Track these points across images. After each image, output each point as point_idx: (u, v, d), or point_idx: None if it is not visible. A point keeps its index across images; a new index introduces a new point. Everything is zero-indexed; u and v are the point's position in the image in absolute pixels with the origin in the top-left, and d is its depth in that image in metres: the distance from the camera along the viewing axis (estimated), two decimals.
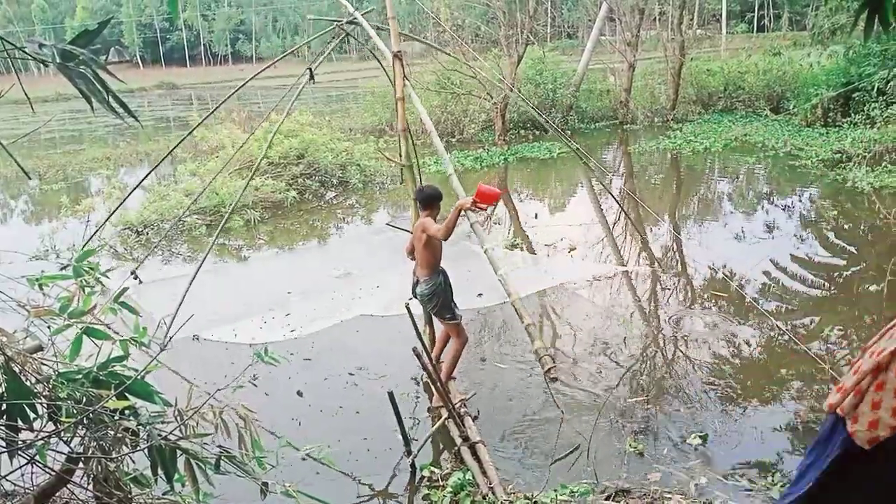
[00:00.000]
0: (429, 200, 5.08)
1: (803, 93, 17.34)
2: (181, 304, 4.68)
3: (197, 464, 2.59)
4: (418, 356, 4.26)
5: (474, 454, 4.48)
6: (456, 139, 18.14)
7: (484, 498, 4.05)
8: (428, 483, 4.42)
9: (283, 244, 10.53)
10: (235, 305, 7.66)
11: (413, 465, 4.59)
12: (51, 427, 2.55)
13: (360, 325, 7.09)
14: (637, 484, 4.25)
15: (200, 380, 2.90)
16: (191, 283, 4.98)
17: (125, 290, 2.89)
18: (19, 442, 2.48)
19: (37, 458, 2.54)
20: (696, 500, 4.04)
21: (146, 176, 6.71)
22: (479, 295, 7.41)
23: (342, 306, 7.54)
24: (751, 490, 4.18)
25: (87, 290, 2.77)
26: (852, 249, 8.89)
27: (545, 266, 8.72)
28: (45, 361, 2.62)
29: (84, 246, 5.48)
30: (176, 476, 2.61)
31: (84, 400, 2.47)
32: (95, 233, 6.27)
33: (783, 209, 10.91)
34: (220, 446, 2.66)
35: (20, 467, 2.66)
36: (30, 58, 1.94)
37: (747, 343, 6.24)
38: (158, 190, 12.15)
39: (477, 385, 5.73)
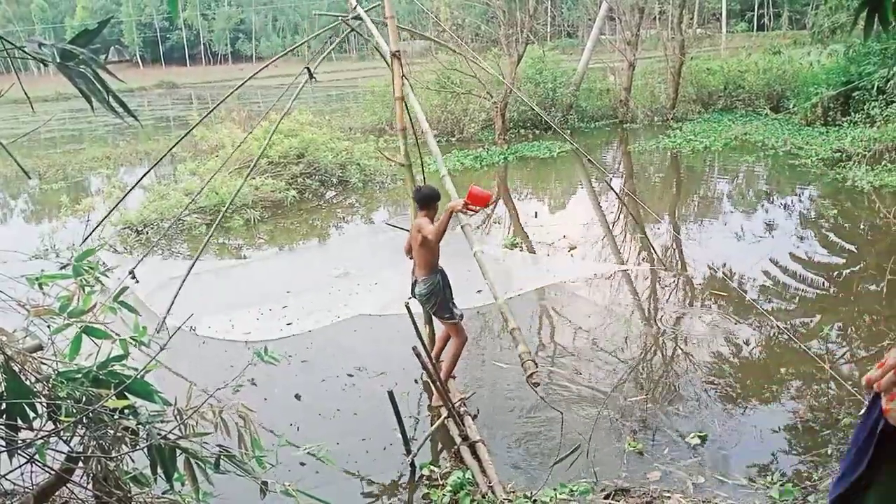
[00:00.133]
0: (426, 200, 5.08)
1: (803, 92, 17.34)
2: (176, 295, 4.69)
3: (196, 463, 2.59)
4: (418, 355, 4.26)
5: (474, 453, 4.48)
6: (456, 138, 18.15)
7: (483, 497, 4.06)
8: (427, 482, 4.42)
9: (282, 243, 10.53)
10: (235, 304, 7.67)
11: (413, 464, 4.60)
12: (50, 426, 2.55)
13: (358, 324, 7.09)
14: (636, 483, 4.26)
15: (200, 379, 2.90)
16: (186, 276, 4.98)
17: (125, 289, 2.89)
18: (19, 441, 2.48)
19: (36, 457, 2.54)
20: (696, 500, 4.04)
21: (145, 174, 6.71)
22: (479, 291, 7.41)
23: (340, 302, 7.56)
24: (750, 489, 4.18)
25: (87, 289, 2.77)
26: (852, 248, 8.89)
27: (545, 265, 8.73)
28: (44, 360, 2.62)
29: (83, 243, 5.49)
30: (175, 475, 2.61)
31: (84, 399, 2.47)
32: (93, 231, 6.25)
33: (783, 208, 10.91)
34: (219, 445, 2.67)
35: (20, 466, 2.66)
36: (30, 57, 1.94)
37: (747, 342, 6.24)
38: (158, 189, 12.15)
39: (477, 384, 5.73)
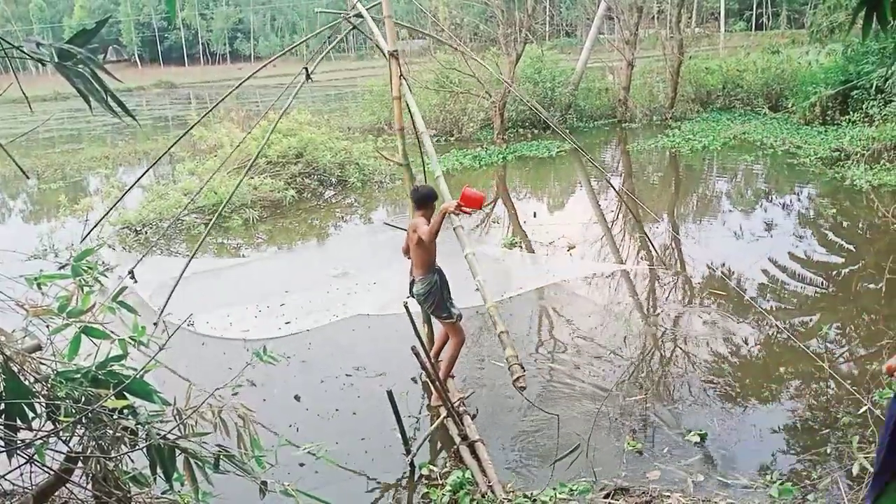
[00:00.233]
0: (423, 200, 5.07)
1: (802, 91, 17.35)
2: (171, 294, 4.69)
3: (196, 463, 2.59)
4: (417, 355, 4.26)
5: (473, 453, 4.48)
6: (455, 138, 18.15)
7: (483, 496, 4.06)
8: (427, 482, 4.42)
9: (281, 243, 10.53)
10: (233, 303, 7.66)
11: (412, 464, 4.60)
12: (49, 426, 2.55)
13: (357, 324, 7.08)
14: (636, 482, 4.26)
15: (199, 379, 2.90)
16: (181, 276, 4.98)
17: (124, 289, 2.88)
18: (18, 441, 2.48)
19: (35, 457, 2.54)
20: (695, 499, 4.05)
21: (143, 174, 6.73)
22: (477, 290, 7.39)
23: (339, 301, 7.55)
24: (749, 488, 4.18)
25: (86, 289, 2.76)
26: (851, 247, 8.90)
27: (544, 264, 8.73)
28: (43, 361, 2.62)
29: (81, 243, 5.48)
30: (175, 475, 2.61)
31: (83, 399, 2.47)
32: (92, 229, 6.25)
33: (781, 207, 10.92)
34: (218, 445, 2.66)
35: (19, 466, 2.66)
36: (28, 57, 1.94)
37: (746, 341, 6.24)
38: (157, 189, 12.14)
39: (476, 383, 5.73)
